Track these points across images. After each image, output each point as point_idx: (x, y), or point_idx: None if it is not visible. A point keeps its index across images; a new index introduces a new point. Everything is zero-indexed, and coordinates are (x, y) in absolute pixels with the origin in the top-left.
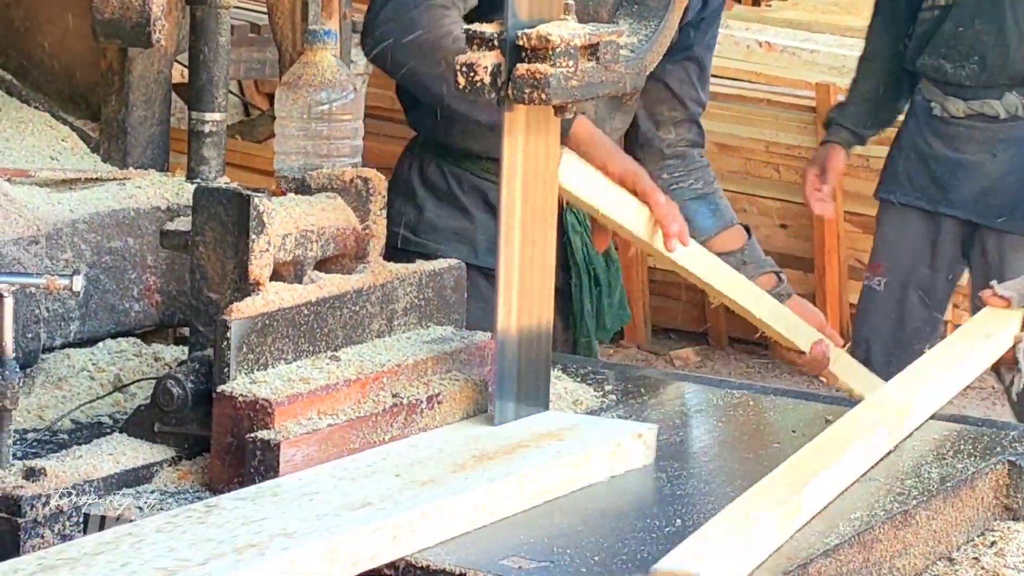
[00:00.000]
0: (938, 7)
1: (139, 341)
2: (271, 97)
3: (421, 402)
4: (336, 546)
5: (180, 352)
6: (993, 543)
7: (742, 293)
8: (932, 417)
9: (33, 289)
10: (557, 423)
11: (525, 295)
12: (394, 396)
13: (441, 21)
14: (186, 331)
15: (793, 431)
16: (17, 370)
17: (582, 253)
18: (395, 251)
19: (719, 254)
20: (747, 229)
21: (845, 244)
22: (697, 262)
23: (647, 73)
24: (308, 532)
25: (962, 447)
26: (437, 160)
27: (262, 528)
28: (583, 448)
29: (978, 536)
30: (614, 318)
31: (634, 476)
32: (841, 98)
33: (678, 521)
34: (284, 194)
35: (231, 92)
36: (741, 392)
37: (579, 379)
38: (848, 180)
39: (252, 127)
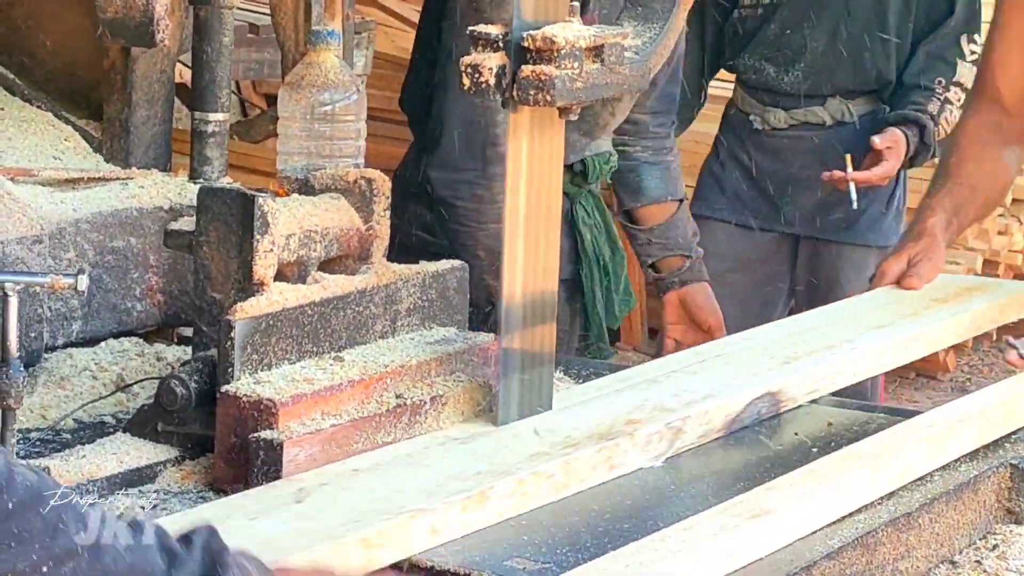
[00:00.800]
0: (761, 6)
1: (141, 341)
2: (268, 98)
3: (424, 403)
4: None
5: (182, 352)
6: (995, 546)
7: None
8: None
9: (37, 288)
10: None
11: (529, 295)
12: (397, 397)
13: None
14: (187, 331)
15: (796, 433)
16: (21, 369)
17: (592, 246)
18: (415, 252)
19: (634, 228)
20: (681, 204)
21: None
22: None
23: (651, 76)
24: None
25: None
26: None
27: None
28: None
29: (980, 539)
30: (622, 304)
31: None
32: None
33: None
34: (287, 194)
35: (232, 92)
36: None
37: (581, 381)
38: None
39: (250, 127)
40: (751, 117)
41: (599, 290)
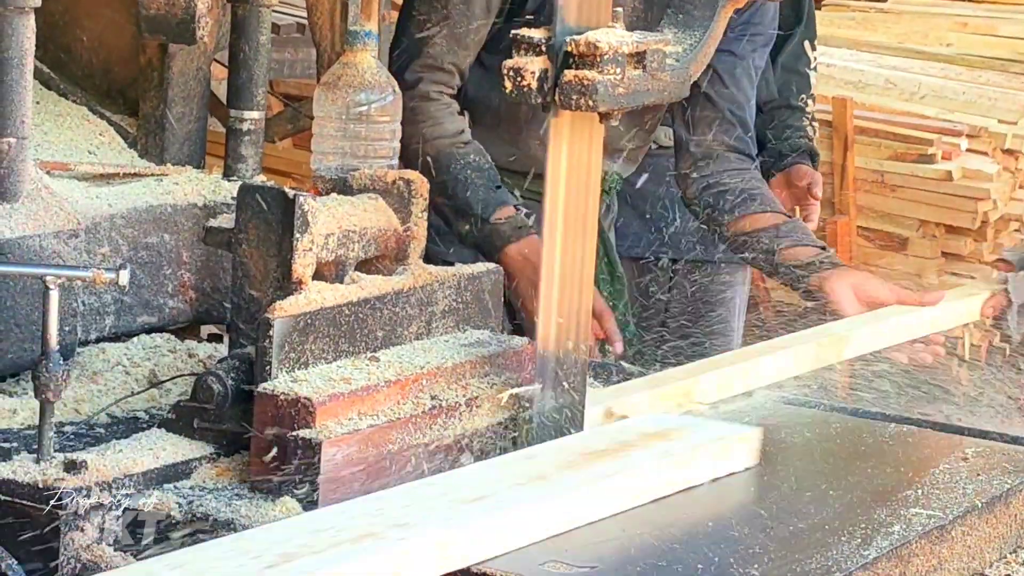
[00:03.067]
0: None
1: (173, 337)
2: (287, 97)
3: (460, 405)
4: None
5: (212, 349)
6: None
7: None
8: (967, 433)
9: (79, 283)
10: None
11: (565, 299)
12: (433, 398)
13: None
14: (216, 329)
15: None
16: (61, 362)
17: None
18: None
19: (756, 232)
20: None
21: (859, 260)
22: None
23: (691, 83)
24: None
25: (996, 463)
26: None
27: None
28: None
29: (1011, 552)
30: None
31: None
32: None
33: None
34: (320, 194)
35: None
36: None
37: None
38: (862, 196)
39: (268, 127)
40: None
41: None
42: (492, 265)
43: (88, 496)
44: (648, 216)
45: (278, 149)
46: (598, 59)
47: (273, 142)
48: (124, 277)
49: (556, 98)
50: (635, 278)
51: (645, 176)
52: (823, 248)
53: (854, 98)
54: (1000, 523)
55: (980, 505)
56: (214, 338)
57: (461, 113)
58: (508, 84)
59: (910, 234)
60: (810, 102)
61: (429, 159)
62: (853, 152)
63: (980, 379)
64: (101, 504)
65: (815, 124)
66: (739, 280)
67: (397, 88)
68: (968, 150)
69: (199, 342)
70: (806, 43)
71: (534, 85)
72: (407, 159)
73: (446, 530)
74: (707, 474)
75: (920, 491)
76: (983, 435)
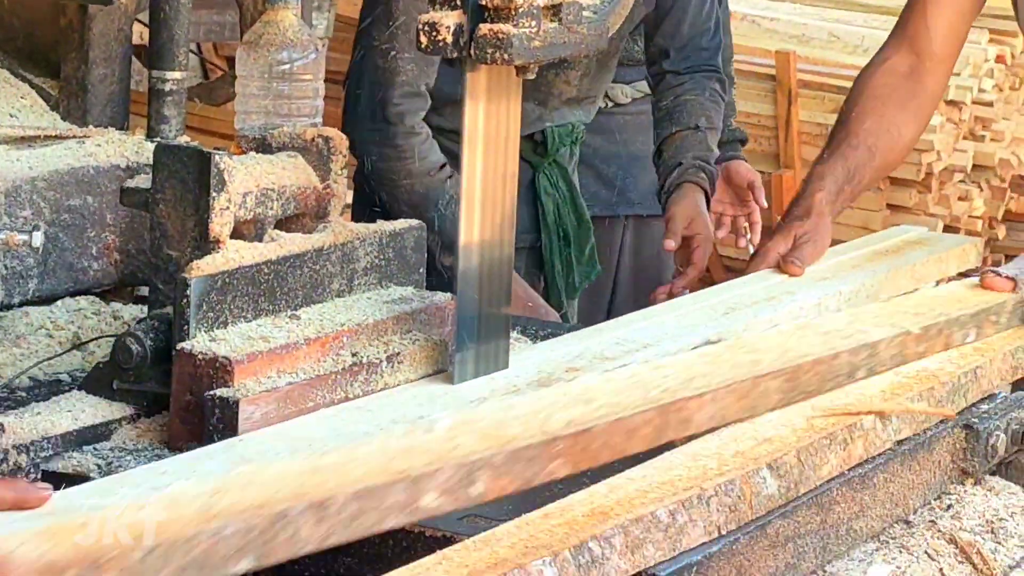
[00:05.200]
0: None
1: (98, 299)
2: (230, 61)
3: (381, 361)
4: None
5: (138, 311)
6: (949, 506)
7: None
8: None
9: None
10: None
11: (486, 255)
12: (354, 355)
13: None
14: (144, 290)
15: None
16: None
17: (553, 215)
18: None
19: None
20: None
21: None
22: None
23: (608, 35)
24: None
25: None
26: None
27: None
28: None
29: (935, 499)
30: (582, 275)
31: None
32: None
33: None
34: (244, 153)
35: (192, 52)
36: None
37: (538, 340)
38: (807, 149)
39: (211, 90)
40: None
41: (559, 260)
42: (415, 221)
43: (5, 459)
44: (603, 174)
45: (221, 112)
46: (513, 12)
47: (217, 105)
48: (37, 239)
49: (471, 52)
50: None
51: (600, 136)
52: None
53: (797, 52)
54: (923, 469)
55: (903, 452)
56: (141, 300)
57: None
58: (423, 39)
59: None
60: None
61: (416, 196)
62: (797, 106)
63: None
64: (19, 467)
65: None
66: None
67: (320, 46)
68: None
69: (124, 304)
70: None
71: (449, 39)
72: (392, 195)
73: None
74: None
75: None
76: None
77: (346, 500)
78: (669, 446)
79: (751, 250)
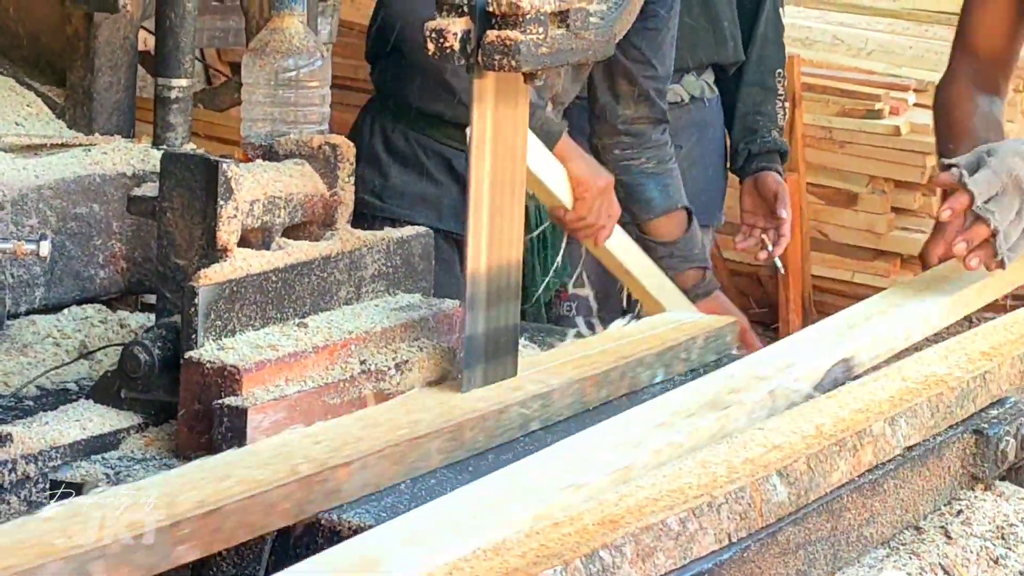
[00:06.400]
0: None
1: (104, 308)
2: (234, 66)
3: (389, 369)
4: None
5: (145, 319)
6: (959, 512)
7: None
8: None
9: (2, 255)
10: None
11: (494, 263)
12: (362, 363)
13: None
14: (150, 298)
15: None
16: None
17: (533, 218)
18: (361, 217)
19: (652, 242)
20: (690, 215)
21: (807, 216)
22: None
23: (615, 41)
24: None
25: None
26: (401, 126)
27: None
28: None
29: (945, 505)
30: (553, 279)
31: None
32: None
33: None
34: (251, 161)
35: (196, 58)
36: None
37: (546, 348)
38: (811, 152)
39: (215, 96)
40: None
41: (537, 262)
42: (422, 228)
43: (14, 469)
44: None
45: (225, 118)
46: (521, 19)
47: (221, 111)
48: (45, 248)
49: (479, 59)
50: None
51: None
52: (704, 270)
53: (801, 55)
54: (933, 476)
55: (913, 458)
56: (148, 308)
57: None
58: (431, 46)
59: (860, 189)
60: (782, 80)
61: None
62: (801, 109)
63: None
64: (27, 477)
65: (786, 105)
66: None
67: (326, 53)
68: (915, 105)
69: (131, 312)
70: (781, 9)
71: (457, 46)
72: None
73: None
74: None
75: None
76: None
77: None
78: None
79: (778, 264)
